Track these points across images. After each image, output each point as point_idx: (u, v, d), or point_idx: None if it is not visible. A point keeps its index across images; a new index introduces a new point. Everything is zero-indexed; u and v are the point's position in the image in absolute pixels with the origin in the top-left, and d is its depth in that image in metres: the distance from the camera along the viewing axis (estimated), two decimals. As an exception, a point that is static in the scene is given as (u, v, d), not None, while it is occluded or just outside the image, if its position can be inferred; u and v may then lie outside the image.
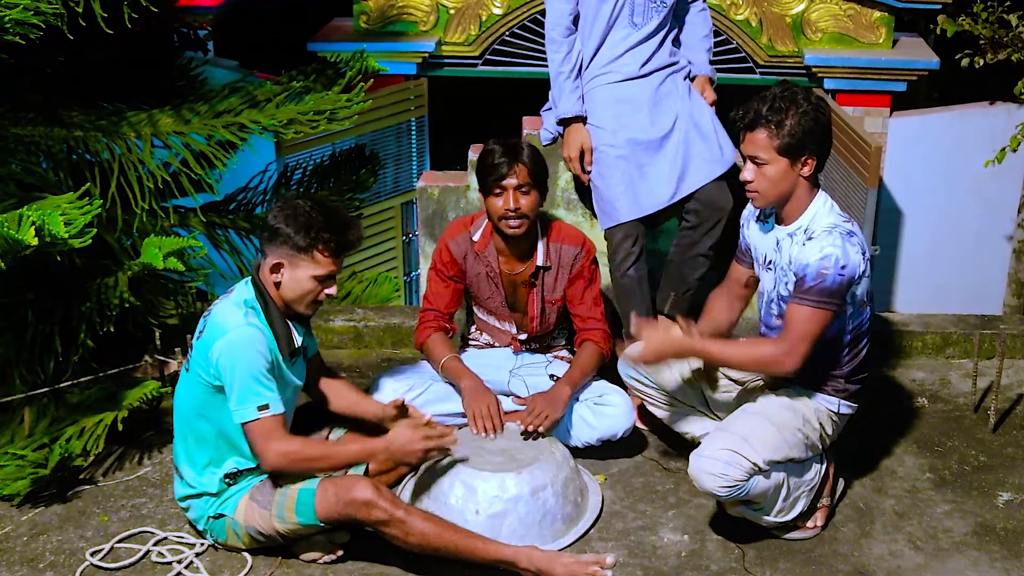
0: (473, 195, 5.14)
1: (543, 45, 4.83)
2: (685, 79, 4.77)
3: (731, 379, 4.14)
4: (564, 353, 4.61)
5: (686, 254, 4.74)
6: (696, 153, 4.64)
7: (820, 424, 3.87)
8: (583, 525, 3.97)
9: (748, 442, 3.70)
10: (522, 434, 4.10)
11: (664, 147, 4.65)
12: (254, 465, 3.74)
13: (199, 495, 3.79)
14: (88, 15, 4.25)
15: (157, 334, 4.67)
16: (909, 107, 8.66)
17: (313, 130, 4.85)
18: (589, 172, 4.74)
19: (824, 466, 3.95)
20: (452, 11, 8.63)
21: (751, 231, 4.00)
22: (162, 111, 4.75)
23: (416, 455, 3.72)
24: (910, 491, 4.22)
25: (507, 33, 8.69)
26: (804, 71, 8.61)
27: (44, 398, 4.44)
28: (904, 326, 5.25)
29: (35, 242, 3.69)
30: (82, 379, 4.52)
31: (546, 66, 4.79)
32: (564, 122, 4.77)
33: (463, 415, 4.19)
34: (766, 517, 3.83)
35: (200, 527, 3.85)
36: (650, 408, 4.31)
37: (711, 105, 4.75)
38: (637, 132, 4.63)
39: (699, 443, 3.83)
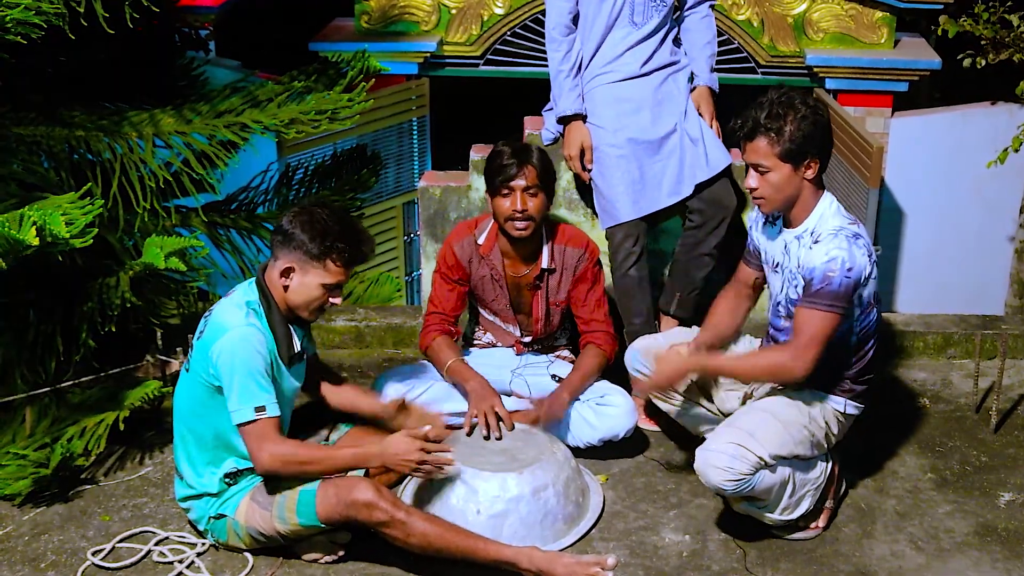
0: (475, 195, 5.14)
1: (544, 45, 4.83)
2: (687, 79, 4.77)
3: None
4: (566, 353, 4.61)
5: (691, 253, 4.75)
6: (692, 154, 4.65)
7: (826, 423, 3.87)
8: (584, 525, 3.96)
9: (754, 437, 3.70)
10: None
11: (664, 147, 4.65)
12: (253, 465, 3.74)
13: (199, 495, 3.79)
14: (90, 15, 4.26)
15: (158, 334, 4.67)
16: (911, 107, 8.65)
17: (315, 130, 4.85)
18: (589, 171, 4.74)
19: (829, 466, 3.95)
20: (454, 11, 8.63)
21: (760, 234, 4.00)
22: (164, 111, 4.75)
23: (408, 467, 3.68)
24: (911, 491, 4.22)
25: (509, 33, 8.69)
26: (806, 71, 8.60)
27: (45, 398, 4.44)
28: (906, 326, 5.24)
29: (36, 242, 3.69)
30: (83, 379, 4.52)
31: (547, 66, 4.79)
32: (564, 120, 4.77)
33: (463, 415, 4.20)
34: (771, 515, 3.83)
35: (201, 527, 3.85)
36: (656, 403, 4.31)
37: (711, 119, 4.75)
38: (638, 132, 4.63)
39: (705, 439, 3.83)
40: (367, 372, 5.08)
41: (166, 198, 4.94)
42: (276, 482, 3.71)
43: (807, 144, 3.68)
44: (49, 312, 4.49)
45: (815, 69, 8.48)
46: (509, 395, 4.40)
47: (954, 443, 4.53)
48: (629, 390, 4.36)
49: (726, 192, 4.68)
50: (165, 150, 4.76)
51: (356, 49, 5.22)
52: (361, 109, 4.98)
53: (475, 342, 4.65)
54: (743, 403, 4.04)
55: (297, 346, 3.81)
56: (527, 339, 4.55)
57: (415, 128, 8.35)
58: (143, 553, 3.84)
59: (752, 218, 4.07)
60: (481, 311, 4.59)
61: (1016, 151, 7.43)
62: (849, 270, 3.63)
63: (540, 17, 8.18)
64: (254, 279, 3.78)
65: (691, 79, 4.81)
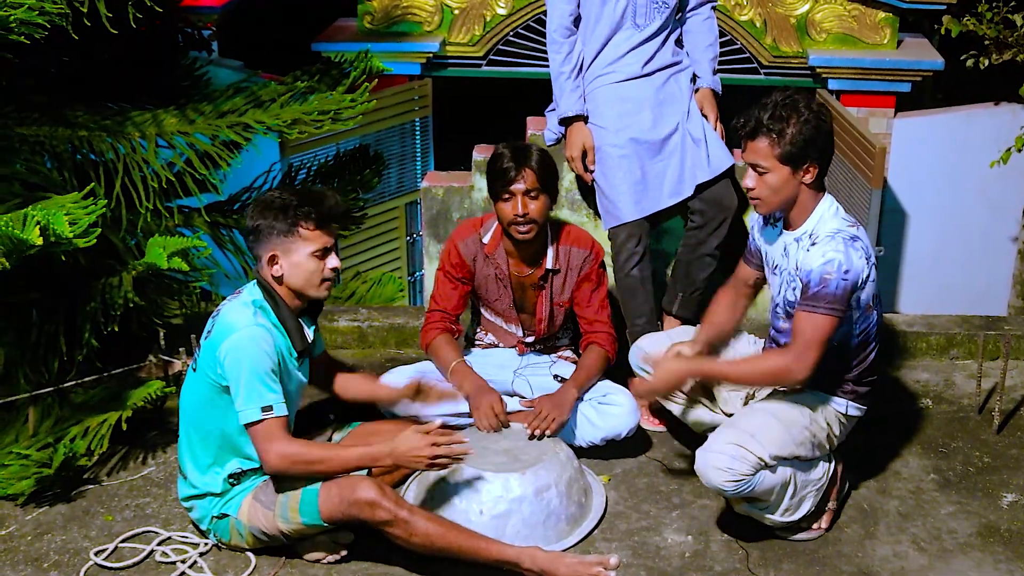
0: (477, 195, 5.14)
1: (546, 45, 4.83)
2: (689, 79, 4.77)
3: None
4: (568, 354, 4.61)
5: (693, 254, 4.75)
6: (693, 155, 4.65)
7: (828, 424, 3.86)
8: (587, 526, 3.96)
9: (755, 437, 3.69)
10: (528, 437, 4.11)
11: (666, 148, 4.65)
12: (258, 465, 3.74)
13: (203, 495, 3.79)
14: (93, 15, 4.26)
15: (161, 334, 4.67)
16: (914, 108, 8.65)
17: (317, 130, 4.85)
18: (591, 171, 4.74)
19: (831, 467, 3.95)
20: (456, 11, 8.63)
21: (761, 235, 4.00)
22: (166, 111, 4.76)
23: (423, 462, 3.63)
24: (914, 492, 4.21)
25: (511, 33, 8.69)
26: (808, 72, 8.61)
27: (48, 398, 4.45)
28: (908, 327, 5.24)
29: (40, 242, 3.69)
30: (86, 379, 4.53)
31: (549, 66, 4.79)
32: (566, 122, 4.77)
33: (466, 415, 4.20)
34: (772, 516, 3.83)
35: (204, 527, 3.86)
36: (661, 401, 4.31)
37: (715, 121, 4.75)
38: (639, 132, 4.64)
39: (706, 439, 3.83)
40: (369, 372, 5.07)
41: (169, 198, 4.94)
42: (279, 481, 3.71)
43: (808, 148, 3.67)
44: (52, 312, 4.50)
45: (818, 70, 8.49)
46: (511, 395, 4.40)
47: (957, 444, 4.53)
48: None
49: (728, 193, 4.68)
50: (168, 150, 4.77)
51: (359, 49, 5.23)
52: (364, 109, 4.98)
53: (476, 342, 4.65)
54: (746, 403, 4.05)
55: (309, 336, 3.81)
56: (529, 339, 4.55)
57: (418, 128, 8.36)
58: (146, 553, 3.84)
59: (754, 218, 4.07)
60: (483, 311, 4.59)
61: (1019, 151, 7.43)
62: (846, 273, 3.63)
63: (542, 17, 8.18)
64: (256, 280, 3.78)
65: (693, 80, 4.81)
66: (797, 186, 3.73)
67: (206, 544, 3.87)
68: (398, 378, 4.38)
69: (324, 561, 3.78)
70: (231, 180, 5.27)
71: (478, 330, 4.65)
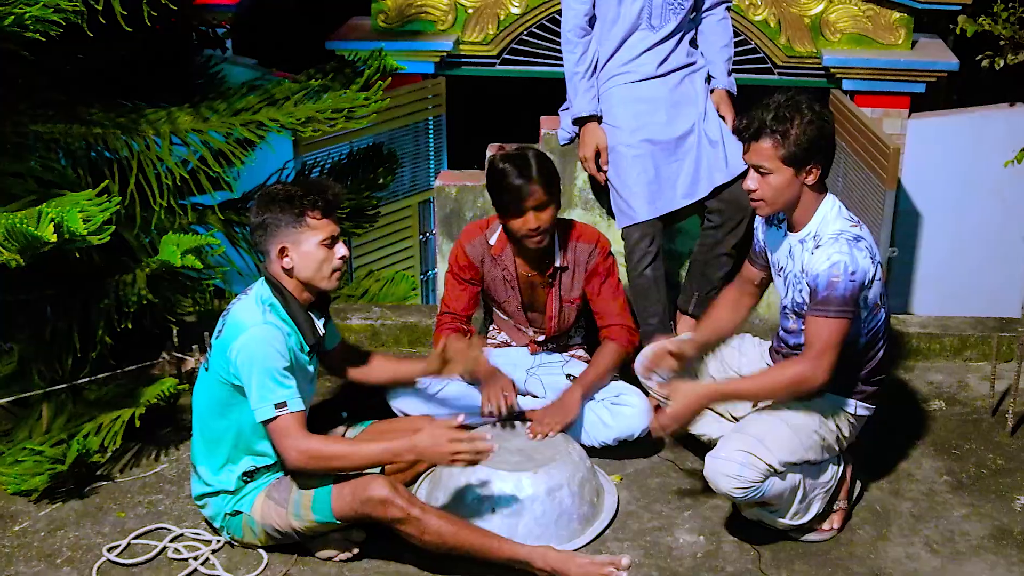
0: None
1: (561, 44, 4.83)
2: (704, 80, 4.77)
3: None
4: (581, 353, 4.61)
5: (709, 253, 4.75)
6: (709, 156, 4.65)
7: (836, 426, 3.86)
8: (599, 525, 3.96)
9: (764, 443, 3.69)
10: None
11: (681, 148, 4.65)
12: (271, 463, 3.75)
13: (216, 493, 3.79)
14: (108, 13, 4.27)
15: (175, 331, 4.68)
16: (928, 109, 8.63)
17: (331, 128, 4.85)
18: (605, 171, 4.74)
19: (840, 468, 3.94)
20: (470, 10, 8.64)
21: (766, 236, 4.00)
22: (181, 109, 4.76)
23: (446, 457, 3.61)
24: (927, 494, 4.20)
25: (525, 32, 8.70)
26: (823, 72, 8.60)
27: (62, 394, 4.46)
28: (922, 328, 5.22)
29: (54, 239, 3.70)
30: (100, 376, 4.54)
31: (563, 66, 4.79)
32: (579, 122, 4.77)
33: (479, 415, 4.20)
34: (781, 519, 3.83)
35: (217, 524, 3.86)
36: (662, 403, 4.30)
37: (732, 122, 4.74)
38: (654, 132, 4.63)
39: (715, 444, 3.82)
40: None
41: (183, 196, 4.95)
42: (292, 479, 3.72)
43: (811, 149, 3.66)
44: (66, 309, 4.51)
45: (832, 70, 8.47)
46: (524, 395, 4.40)
47: (970, 446, 4.52)
48: (644, 389, 4.36)
49: (745, 193, 4.67)
50: (182, 148, 4.78)
51: (373, 48, 5.22)
52: (377, 108, 4.97)
53: (489, 340, 4.65)
54: (754, 406, 4.03)
55: (321, 330, 3.82)
56: (541, 338, 4.55)
57: (431, 127, 8.37)
58: (158, 550, 3.85)
59: (758, 219, 4.06)
60: (494, 311, 4.59)
61: (1034, 152, 7.40)
62: (852, 274, 3.62)
63: (556, 17, 8.19)
64: (264, 277, 3.79)
65: (708, 80, 4.80)
66: (799, 188, 3.72)
67: (218, 541, 3.87)
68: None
69: (336, 559, 3.79)
70: (245, 178, 5.27)
71: (491, 328, 4.66)
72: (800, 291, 3.78)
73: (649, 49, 4.67)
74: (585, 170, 4.85)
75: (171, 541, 3.89)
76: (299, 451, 3.57)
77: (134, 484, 4.25)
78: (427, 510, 3.62)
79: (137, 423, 4.31)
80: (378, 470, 3.88)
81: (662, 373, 4.16)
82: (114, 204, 3.96)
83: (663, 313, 4.72)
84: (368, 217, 5.69)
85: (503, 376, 4.26)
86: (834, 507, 3.97)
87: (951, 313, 5.63)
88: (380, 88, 4.97)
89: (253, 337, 3.60)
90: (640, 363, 4.20)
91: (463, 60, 8.76)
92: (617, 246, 4.64)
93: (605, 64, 4.72)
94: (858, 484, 4.13)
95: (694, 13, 4.77)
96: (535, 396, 4.39)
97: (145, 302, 4.43)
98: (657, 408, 4.44)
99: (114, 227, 3.92)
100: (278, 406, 3.57)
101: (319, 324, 3.82)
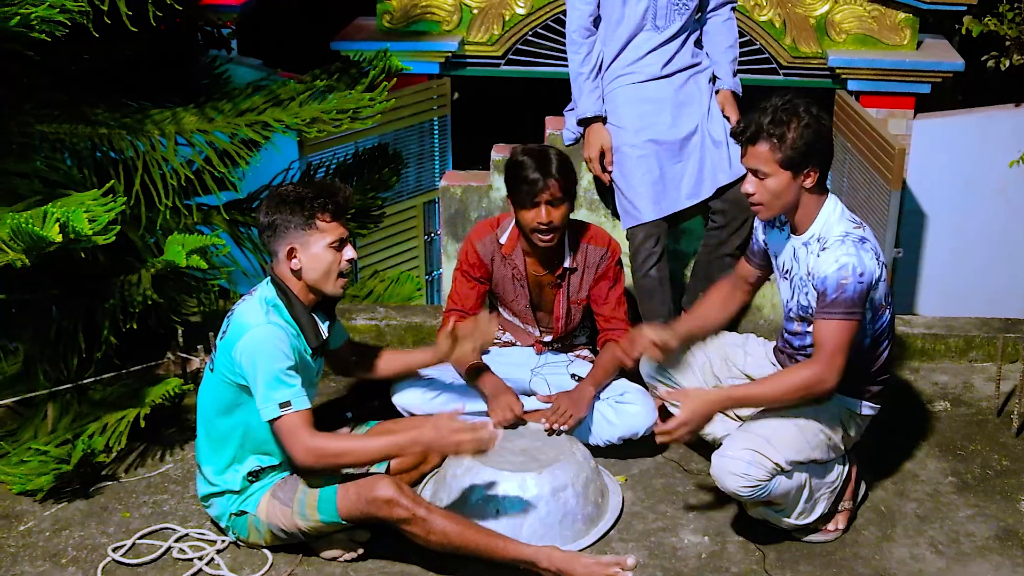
0: (495, 195, 5.14)
1: (566, 45, 4.83)
2: (709, 80, 4.77)
3: (752, 380, 4.12)
4: (586, 353, 4.61)
5: (713, 254, 4.75)
6: (713, 157, 4.65)
7: (843, 425, 3.85)
8: (603, 526, 3.96)
9: (771, 443, 3.69)
10: (546, 431, 4.12)
11: (685, 149, 4.65)
12: (277, 463, 3.75)
13: (221, 493, 3.80)
14: (113, 13, 4.28)
15: (180, 331, 4.68)
16: (933, 109, 8.63)
17: (336, 129, 4.86)
18: (610, 172, 4.74)
19: (846, 468, 3.94)
20: (475, 11, 8.64)
21: (768, 238, 3.99)
22: (186, 109, 4.77)
23: (452, 447, 3.61)
24: (932, 495, 4.20)
25: (530, 33, 8.70)
26: (828, 72, 8.59)
27: (67, 394, 4.47)
28: (927, 329, 5.22)
29: (59, 239, 3.71)
30: (105, 376, 4.55)
31: (568, 66, 4.79)
32: (584, 122, 4.77)
33: (483, 414, 4.20)
34: (786, 519, 3.82)
35: (222, 524, 3.86)
36: (672, 410, 4.30)
37: (737, 123, 4.74)
38: (659, 133, 4.63)
39: (721, 444, 3.82)
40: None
41: (188, 196, 4.96)
42: (298, 479, 3.72)
43: (808, 152, 3.65)
44: (71, 309, 4.52)
45: (837, 70, 8.47)
46: (529, 395, 4.41)
47: (975, 447, 4.51)
48: (647, 388, 4.36)
49: (748, 194, 4.68)
50: (187, 148, 4.78)
51: (378, 48, 5.23)
52: (382, 108, 4.98)
53: (494, 340, 4.65)
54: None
55: (324, 332, 3.82)
56: (547, 338, 4.55)
57: (436, 127, 8.38)
58: (163, 550, 3.86)
59: (758, 219, 4.05)
60: (500, 310, 4.59)
61: (1039, 152, 7.40)
62: (861, 275, 3.62)
63: (561, 17, 8.20)
64: (269, 278, 3.79)
65: (713, 80, 4.80)
66: (798, 191, 3.71)
67: (223, 541, 3.88)
68: (412, 381, 4.39)
69: (341, 559, 3.79)
70: (250, 178, 5.28)
71: (496, 328, 4.65)
72: (806, 294, 3.77)
73: (654, 50, 4.67)
74: (590, 170, 4.85)
75: (176, 541, 3.89)
76: (306, 449, 3.57)
77: (139, 484, 4.26)
78: (432, 510, 3.62)
79: (142, 423, 4.32)
80: (383, 470, 3.88)
81: (665, 379, 4.18)
82: (119, 204, 3.97)
83: (667, 314, 4.72)
84: (373, 217, 5.70)
85: (509, 391, 4.26)
86: (839, 508, 3.97)
87: (956, 313, 5.63)
88: (385, 88, 4.97)
89: (257, 337, 3.60)
90: (647, 365, 4.22)
91: (468, 60, 8.76)
92: (622, 246, 4.64)
93: (610, 64, 4.73)
94: (863, 485, 4.13)
95: (699, 14, 4.77)
96: (541, 395, 4.39)
97: (150, 302, 4.44)
98: (662, 409, 4.45)
99: (119, 227, 3.93)
100: (283, 405, 3.57)
101: (323, 327, 3.82)
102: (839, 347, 3.64)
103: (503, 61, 8.78)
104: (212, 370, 3.77)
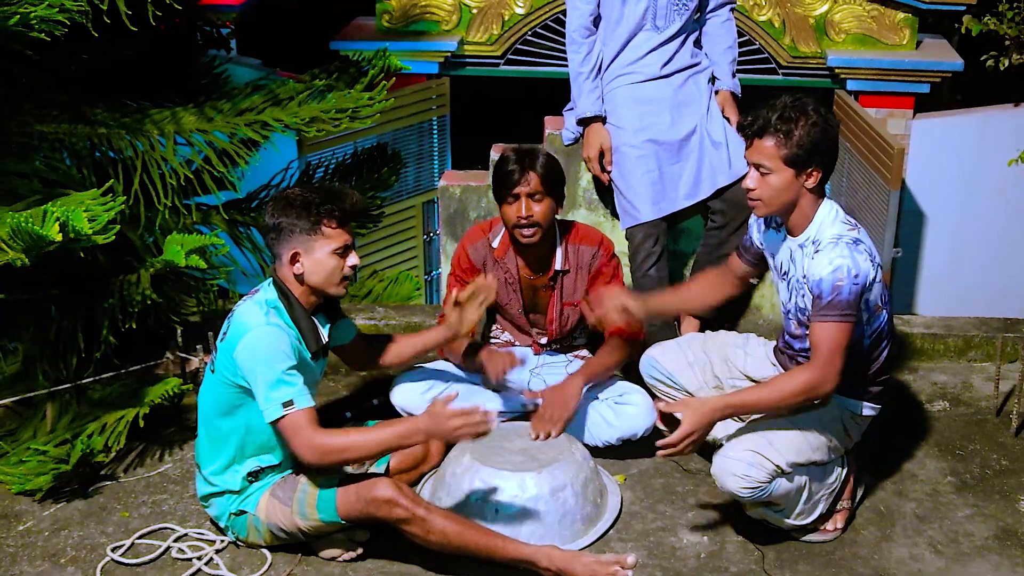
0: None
1: (565, 44, 4.83)
2: (708, 81, 4.77)
3: (753, 380, 4.12)
4: (585, 353, 4.61)
5: (713, 254, 4.75)
6: (712, 157, 4.65)
7: (843, 426, 3.85)
8: (602, 526, 3.96)
9: (771, 444, 3.69)
10: (534, 438, 4.11)
11: (684, 149, 4.65)
12: (276, 463, 3.75)
13: (221, 492, 3.79)
14: (113, 13, 4.27)
15: (179, 331, 4.68)
16: (933, 109, 8.63)
17: (335, 128, 4.86)
18: (609, 172, 4.74)
19: (845, 469, 3.94)
20: (475, 10, 8.64)
21: (764, 238, 3.98)
22: (185, 109, 4.77)
23: (448, 433, 3.58)
24: (931, 494, 4.20)
25: (529, 33, 8.70)
26: (827, 72, 8.59)
27: (67, 394, 4.47)
28: (926, 329, 5.22)
29: (59, 238, 3.71)
30: (104, 375, 4.55)
31: (568, 66, 4.80)
32: (584, 122, 4.77)
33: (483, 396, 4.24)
34: (786, 519, 3.83)
35: (221, 524, 3.86)
36: (672, 411, 4.29)
37: (736, 123, 4.74)
38: (658, 133, 4.64)
39: (721, 445, 3.82)
40: (385, 370, 5.07)
41: (187, 196, 4.96)
42: (297, 478, 3.72)
43: (814, 151, 3.65)
44: (71, 309, 4.52)
45: (836, 70, 8.47)
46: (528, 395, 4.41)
47: (974, 446, 4.51)
48: (647, 389, 4.36)
49: (748, 193, 4.68)
50: (186, 148, 4.78)
51: (377, 48, 5.23)
52: (382, 108, 4.98)
53: (492, 340, 4.65)
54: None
55: (324, 336, 3.82)
56: (543, 340, 4.55)
57: (435, 127, 8.38)
58: (162, 549, 3.85)
59: (753, 218, 4.04)
60: (497, 312, 4.59)
61: (1038, 152, 7.40)
62: (855, 277, 3.61)
63: (561, 17, 8.20)
64: (271, 279, 3.79)
65: (712, 81, 4.81)
66: (799, 190, 3.70)
67: (222, 541, 3.88)
68: (410, 382, 4.39)
69: (340, 559, 3.79)
70: (249, 178, 5.28)
71: (494, 328, 4.65)
72: (803, 296, 3.77)
73: (653, 50, 4.67)
74: (589, 170, 4.85)
75: (175, 541, 3.89)
76: (312, 447, 3.56)
77: (138, 484, 4.25)
78: (432, 510, 3.62)
79: (141, 423, 4.31)
80: (383, 470, 3.87)
81: (665, 379, 4.18)
82: (119, 204, 3.97)
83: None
84: (372, 217, 5.70)
85: (501, 352, 4.29)
86: (837, 507, 3.97)
87: (955, 313, 5.63)
88: (384, 88, 4.97)
89: (257, 338, 3.60)
90: (648, 361, 4.22)
91: (467, 60, 8.76)
92: (621, 247, 4.64)
93: (609, 64, 4.73)
94: (862, 484, 4.13)
95: (698, 14, 4.77)
96: (532, 391, 4.39)
97: (149, 302, 4.44)
98: (661, 414, 4.45)
99: (119, 227, 3.93)
100: (285, 405, 3.56)
101: (323, 331, 3.82)
102: (836, 349, 3.63)
103: (502, 61, 8.78)
104: (213, 371, 3.77)
